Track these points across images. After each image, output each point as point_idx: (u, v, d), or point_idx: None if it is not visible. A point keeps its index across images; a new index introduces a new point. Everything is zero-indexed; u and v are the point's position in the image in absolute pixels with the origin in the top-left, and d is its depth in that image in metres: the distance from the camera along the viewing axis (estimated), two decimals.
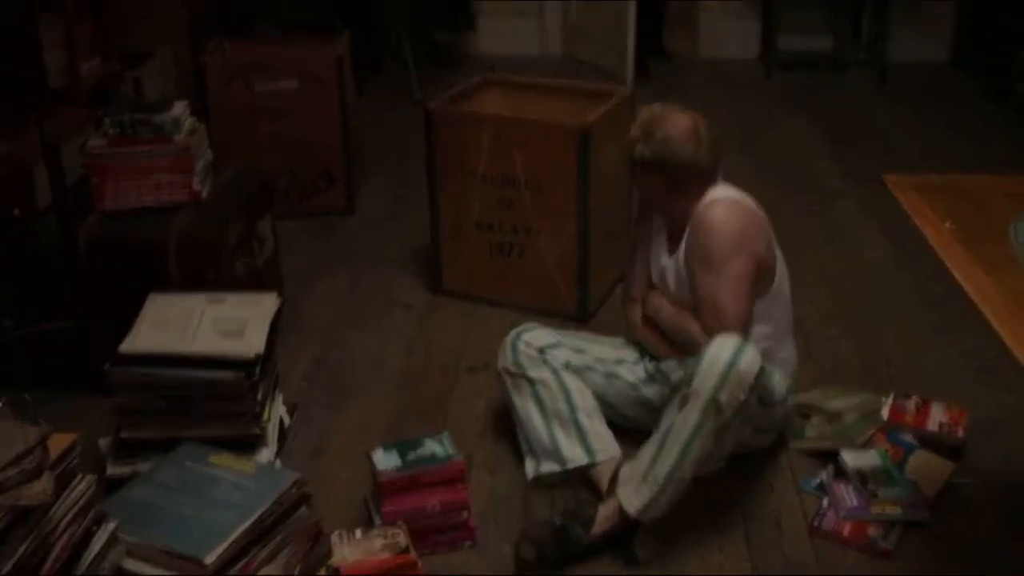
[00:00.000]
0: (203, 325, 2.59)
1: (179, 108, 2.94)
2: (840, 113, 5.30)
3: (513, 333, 2.59)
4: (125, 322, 2.57)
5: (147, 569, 2.04)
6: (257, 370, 2.49)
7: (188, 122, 2.94)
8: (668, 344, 2.49)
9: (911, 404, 2.69)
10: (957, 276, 1.77)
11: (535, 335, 2.57)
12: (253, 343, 2.52)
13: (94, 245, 2.85)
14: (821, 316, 3.25)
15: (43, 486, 1.90)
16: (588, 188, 3.17)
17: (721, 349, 2.14)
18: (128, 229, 2.87)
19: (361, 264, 3.74)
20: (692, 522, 2.32)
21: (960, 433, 2.59)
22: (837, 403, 2.68)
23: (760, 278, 2.34)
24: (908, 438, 2.59)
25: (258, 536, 2.12)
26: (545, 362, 2.52)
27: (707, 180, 2.39)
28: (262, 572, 2.12)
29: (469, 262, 3.44)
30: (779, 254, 2.43)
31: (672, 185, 2.38)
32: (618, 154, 3.27)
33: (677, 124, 2.37)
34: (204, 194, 2.96)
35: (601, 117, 3.21)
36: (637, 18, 5.44)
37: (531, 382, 2.51)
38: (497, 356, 2.61)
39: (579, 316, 3.29)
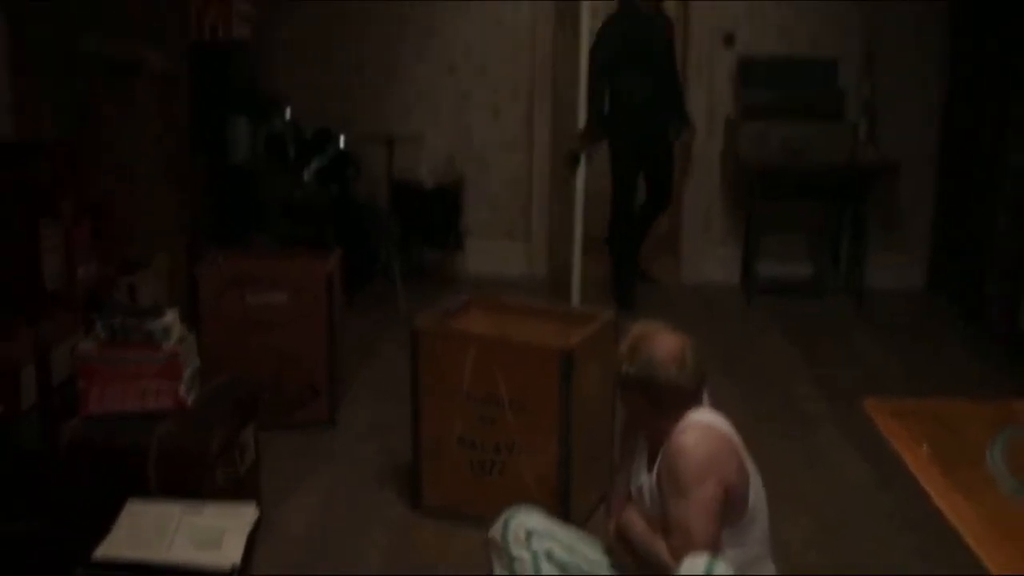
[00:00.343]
0: (180, 534, 2.56)
1: (170, 316, 2.99)
2: (819, 337, 5.40)
3: (511, 509, 2.59)
4: (101, 527, 2.54)
5: None
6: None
7: (178, 330, 2.99)
8: (639, 562, 2.47)
9: None
10: (936, 500, 1.79)
11: (528, 518, 2.56)
12: (230, 554, 2.48)
13: (75, 448, 2.84)
14: (803, 541, 3.23)
15: None
16: (571, 409, 3.20)
17: (693, 565, 2.13)
18: (111, 434, 2.87)
19: (340, 478, 3.72)
20: None
21: None
22: None
23: (731, 504, 2.33)
24: None
25: None
26: (529, 546, 2.50)
27: (689, 402, 2.42)
28: None
29: (450, 479, 3.43)
30: (756, 479, 2.42)
31: (654, 404, 2.41)
32: (601, 376, 3.36)
33: (664, 345, 2.41)
34: (190, 402, 2.98)
35: (584, 340, 3.28)
36: (616, 245, 5.78)
37: (511, 559, 2.50)
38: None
39: None
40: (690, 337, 2.46)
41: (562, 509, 3.24)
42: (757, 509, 2.41)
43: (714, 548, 2.26)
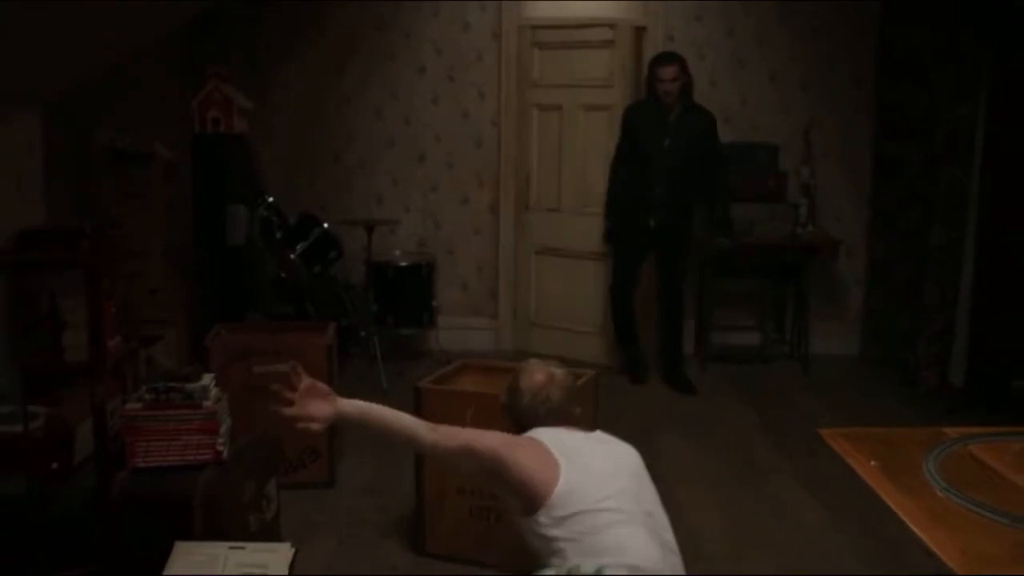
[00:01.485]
0: (229, 567, 2.91)
1: (207, 379, 3.36)
2: (769, 399, 5.86)
3: None
4: (149, 569, 2.87)
5: None
6: None
7: (214, 391, 3.36)
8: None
9: None
10: (886, 500, 2.19)
11: None
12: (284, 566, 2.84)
13: (125, 498, 3.18)
14: None
15: None
16: None
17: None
18: (158, 484, 3.21)
19: (346, 530, 4.06)
20: None
21: None
22: None
23: (532, 483, 2.54)
24: None
25: None
26: None
27: (536, 424, 2.77)
28: None
29: (452, 526, 3.79)
30: (573, 475, 2.56)
31: (517, 427, 2.80)
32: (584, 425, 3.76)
33: (529, 378, 2.83)
34: (225, 455, 3.33)
35: None
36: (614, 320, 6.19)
37: None
38: None
39: None
40: (568, 376, 2.86)
41: None
42: (575, 501, 2.53)
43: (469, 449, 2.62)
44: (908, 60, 6.12)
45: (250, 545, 3.07)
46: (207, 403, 3.31)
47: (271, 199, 5.89)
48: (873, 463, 2.34)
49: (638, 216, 5.89)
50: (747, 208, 6.23)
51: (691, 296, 6.66)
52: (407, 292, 6.37)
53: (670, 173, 5.79)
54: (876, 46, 6.48)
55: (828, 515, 4.08)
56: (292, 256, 5.78)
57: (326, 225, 5.96)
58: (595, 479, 2.57)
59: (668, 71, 5.72)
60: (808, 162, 6.34)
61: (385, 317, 6.29)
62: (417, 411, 3.77)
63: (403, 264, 6.40)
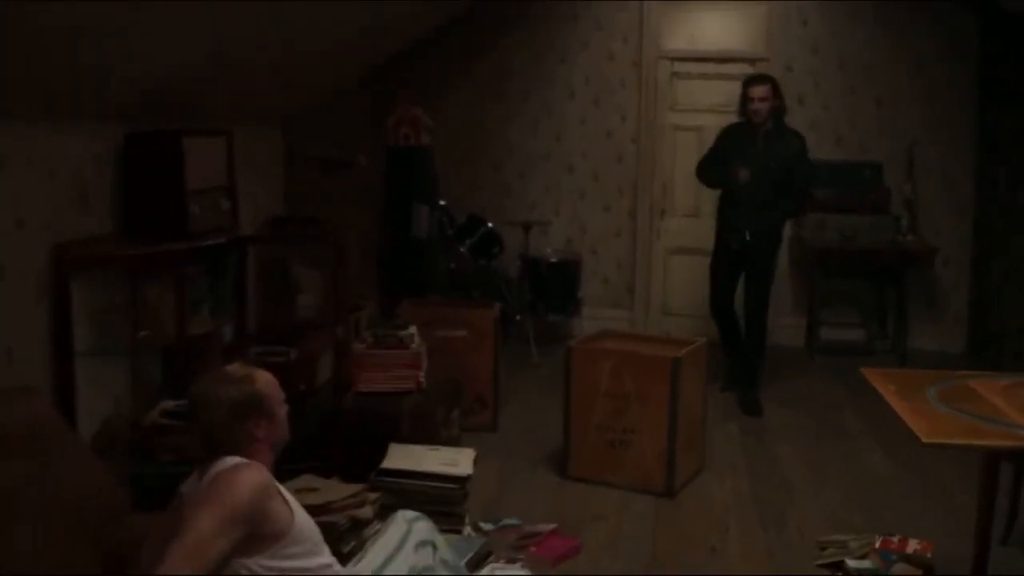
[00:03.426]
0: (428, 459, 4.05)
1: (412, 328, 4.53)
2: (864, 383, 6.71)
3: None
4: (368, 463, 4.00)
5: None
6: (467, 485, 3.91)
7: (418, 338, 4.52)
8: None
9: (895, 538, 4.00)
10: (896, 410, 3.13)
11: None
12: (464, 469, 3.96)
13: (353, 411, 4.36)
14: (846, 507, 4.62)
15: (368, 510, 3.35)
16: (677, 400, 4.63)
17: None
18: (376, 404, 4.38)
19: (507, 462, 5.11)
20: None
21: (928, 554, 3.89)
22: (844, 537, 4.01)
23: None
24: (893, 557, 3.89)
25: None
26: None
27: None
28: None
29: (590, 454, 4.86)
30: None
31: None
32: (696, 380, 4.79)
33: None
34: (424, 386, 4.49)
35: (687, 353, 4.72)
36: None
37: None
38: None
39: (667, 493, 4.65)
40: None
41: (669, 474, 4.66)
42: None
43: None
44: (1007, 88, 6.91)
45: (443, 448, 4.21)
46: (413, 346, 4.47)
47: (443, 202, 7.07)
48: (892, 387, 3.32)
49: (723, 237, 6.18)
50: (853, 218, 7.12)
51: (800, 296, 7.58)
52: (556, 284, 7.42)
53: (755, 195, 5.94)
54: (977, 76, 7.30)
55: (893, 465, 5.04)
56: (461, 250, 6.96)
57: (490, 225, 7.13)
58: None
59: (759, 90, 5.93)
60: (910, 179, 7.20)
61: (537, 305, 7.37)
62: (567, 367, 4.85)
63: (553, 260, 7.46)
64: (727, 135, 6.19)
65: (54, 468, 2.87)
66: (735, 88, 6.57)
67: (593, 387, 4.81)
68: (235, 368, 2.79)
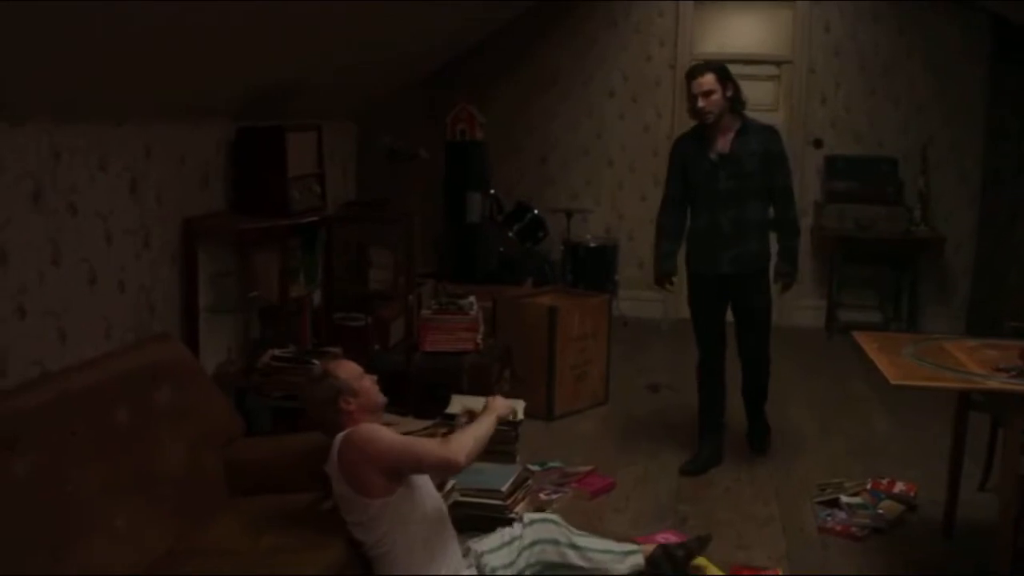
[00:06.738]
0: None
1: (472, 298, 5.25)
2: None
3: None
4: (433, 410, 4.70)
5: None
6: (518, 428, 4.63)
7: (476, 305, 5.24)
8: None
9: (885, 480, 4.69)
10: (876, 362, 3.81)
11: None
12: (519, 413, 4.68)
13: (421, 368, 5.09)
14: (850, 453, 5.32)
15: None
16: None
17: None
18: (440, 361, 5.11)
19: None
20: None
21: (912, 494, 4.57)
22: (841, 480, 4.71)
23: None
24: (881, 495, 4.58)
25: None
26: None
27: None
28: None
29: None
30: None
31: None
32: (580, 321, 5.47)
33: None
34: (481, 347, 5.21)
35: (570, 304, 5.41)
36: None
37: None
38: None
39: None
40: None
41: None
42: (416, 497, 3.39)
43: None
44: (1014, 89, 7.52)
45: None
46: (472, 312, 5.19)
47: (493, 191, 7.79)
48: (876, 345, 4.00)
49: (702, 268, 4.96)
50: (870, 209, 7.76)
51: (821, 280, 8.23)
52: (595, 267, 8.05)
53: (730, 212, 4.83)
54: (987, 78, 7.91)
55: (897, 426, 5.72)
56: (510, 234, 7.68)
57: (536, 211, 7.84)
58: None
59: (702, 82, 4.76)
60: (924, 173, 7.82)
61: (577, 286, 7.97)
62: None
63: (593, 245, 8.09)
64: (678, 150, 5.05)
65: (189, 395, 3.62)
66: (761, 88, 7.19)
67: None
68: (316, 369, 3.51)
